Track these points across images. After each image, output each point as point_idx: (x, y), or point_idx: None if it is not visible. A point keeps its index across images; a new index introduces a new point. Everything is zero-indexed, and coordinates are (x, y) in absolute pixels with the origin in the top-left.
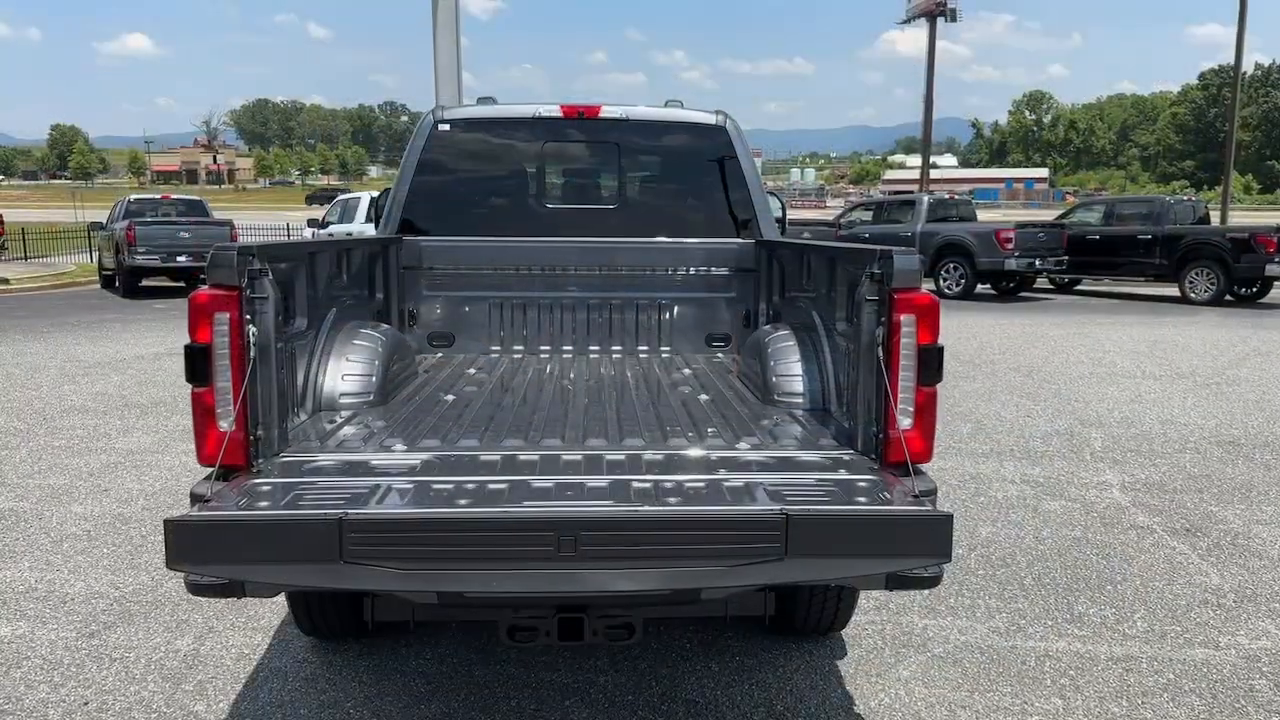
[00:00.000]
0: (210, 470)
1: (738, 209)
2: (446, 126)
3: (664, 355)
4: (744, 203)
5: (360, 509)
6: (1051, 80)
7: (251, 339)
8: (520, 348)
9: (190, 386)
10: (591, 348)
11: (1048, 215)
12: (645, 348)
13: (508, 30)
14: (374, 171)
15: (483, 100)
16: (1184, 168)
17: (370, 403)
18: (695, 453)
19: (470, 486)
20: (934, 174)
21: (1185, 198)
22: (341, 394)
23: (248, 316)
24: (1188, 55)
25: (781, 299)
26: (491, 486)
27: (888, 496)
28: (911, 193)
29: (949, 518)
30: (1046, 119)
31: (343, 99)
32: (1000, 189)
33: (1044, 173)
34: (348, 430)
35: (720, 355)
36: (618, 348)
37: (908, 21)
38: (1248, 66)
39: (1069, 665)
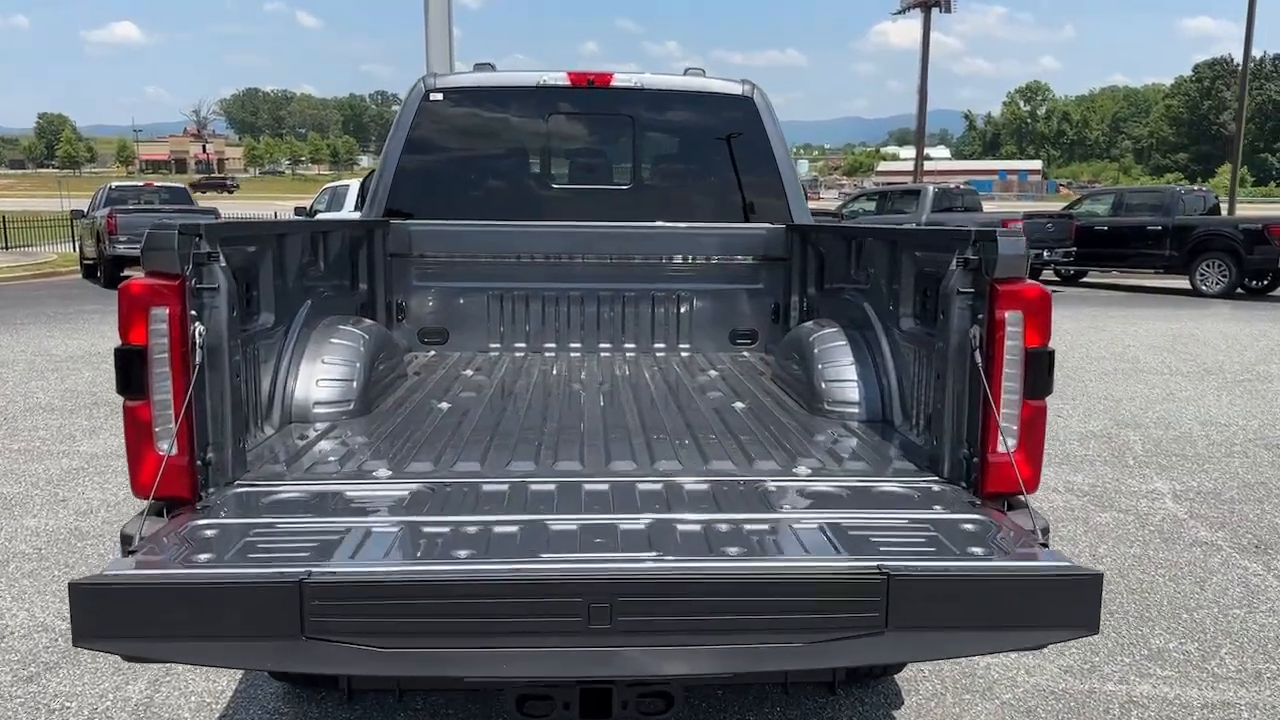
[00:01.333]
0: (146, 504)
1: (766, 190)
2: (438, 96)
3: (683, 354)
4: (773, 183)
5: (328, 565)
6: (1044, 72)
7: (198, 339)
8: (522, 345)
9: (122, 399)
10: (602, 345)
11: (1042, 207)
12: (662, 345)
13: (499, 20)
14: (365, 161)
15: (480, 67)
16: (1177, 160)
17: (350, 412)
18: (746, 479)
19: (471, 530)
20: (927, 166)
21: (1196, 188)
22: (315, 403)
23: (193, 312)
24: (1179, 48)
25: (819, 291)
26: (499, 530)
27: (1006, 544)
28: (914, 183)
29: (1098, 577)
30: (1040, 111)
31: (334, 89)
32: (994, 180)
33: (1037, 165)
34: (322, 447)
35: (746, 353)
36: (631, 345)
37: (902, 12)
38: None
39: (1159, 713)
